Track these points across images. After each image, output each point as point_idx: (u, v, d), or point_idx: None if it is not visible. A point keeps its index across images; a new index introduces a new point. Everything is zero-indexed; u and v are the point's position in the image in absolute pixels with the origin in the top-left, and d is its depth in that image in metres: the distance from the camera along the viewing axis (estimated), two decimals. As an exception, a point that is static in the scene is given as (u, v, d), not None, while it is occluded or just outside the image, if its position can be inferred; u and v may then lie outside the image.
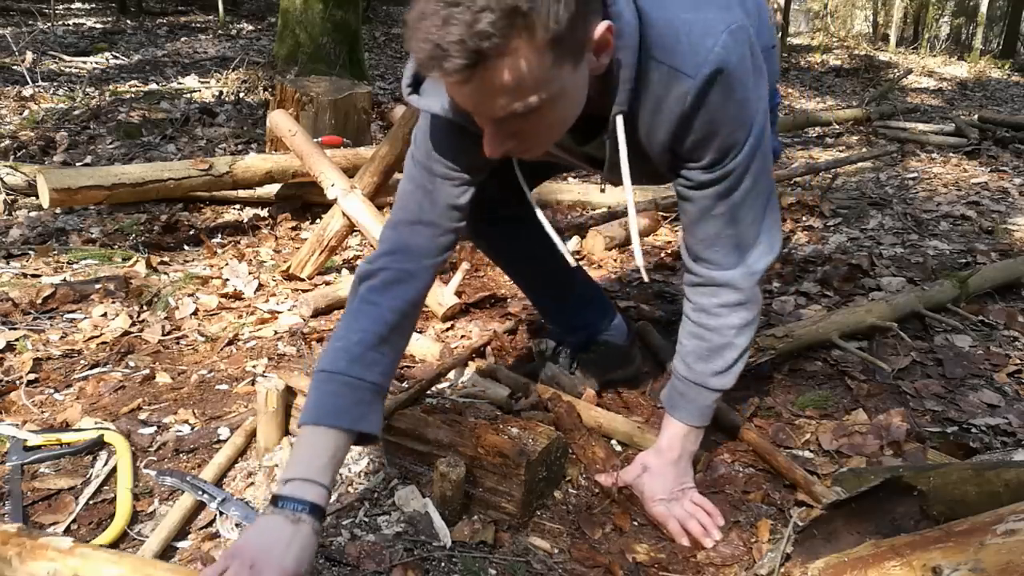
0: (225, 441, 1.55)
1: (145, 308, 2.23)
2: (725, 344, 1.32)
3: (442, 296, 2.18)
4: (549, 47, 0.93)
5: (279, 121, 2.65)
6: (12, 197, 3.24)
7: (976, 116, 5.98)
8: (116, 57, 7.35)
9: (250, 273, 2.52)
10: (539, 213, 1.34)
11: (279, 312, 2.25)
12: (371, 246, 2.53)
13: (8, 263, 2.58)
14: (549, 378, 1.76)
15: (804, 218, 3.44)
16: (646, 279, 1.35)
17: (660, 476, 1.36)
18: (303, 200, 3.22)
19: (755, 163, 1.20)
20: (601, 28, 1.01)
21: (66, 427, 1.61)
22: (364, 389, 1.16)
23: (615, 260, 2.81)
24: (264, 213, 3.30)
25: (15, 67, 5.83)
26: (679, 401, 1.37)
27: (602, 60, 1.05)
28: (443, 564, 1.22)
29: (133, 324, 2.12)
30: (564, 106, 1.04)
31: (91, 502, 1.38)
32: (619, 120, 1.12)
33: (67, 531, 1.31)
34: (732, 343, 1.32)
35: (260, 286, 2.44)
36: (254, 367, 1.90)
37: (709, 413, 1.38)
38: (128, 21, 10.00)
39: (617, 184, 1.24)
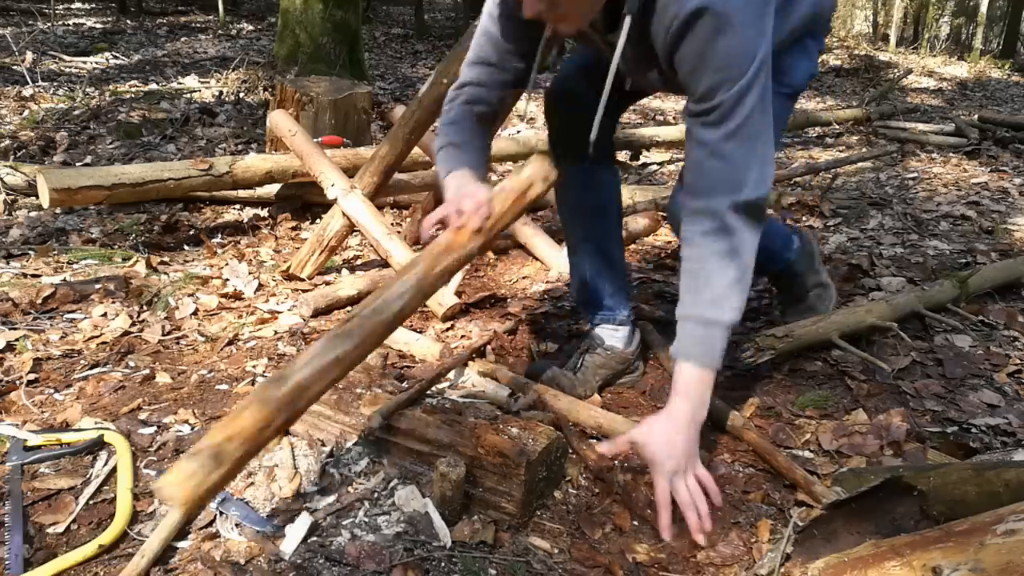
0: (225, 441, 1.55)
1: (145, 308, 2.23)
2: (710, 272, 1.32)
3: (442, 296, 2.18)
4: None
5: (279, 121, 2.65)
6: (12, 197, 3.24)
7: (976, 116, 5.97)
8: (116, 57, 7.35)
9: (250, 273, 2.52)
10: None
11: (279, 312, 2.25)
12: (371, 246, 2.53)
13: (8, 263, 2.58)
14: (549, 379, 1.76)
15: (804, 218, 3.44)
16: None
17: (668, 443, 1.28)
18: (303, 200, 3.22)
19: (746, 103, 1.25)
20: None
21: (66, 427, 1.61)
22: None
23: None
24: (264, 213, 3.30)
25: (15, 67, 5.83)
26: (682, 343, 1.33)
27: None
28: (443, 564, 1.22)
29: (133, 324, 2.12)
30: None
31: (91, 502, 1.38)
32: (627, 19, 1.26)
33: (67, 531, 1.31)
34: (717, 270, 1.31)
35: (260, 286, 2.44)
36: (254, 367, 1.90)
37: (713, 352, 1.32)
38: (128, 21, 10.00)
39: (641, 85, 1.48)
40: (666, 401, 1.32)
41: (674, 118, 6.36)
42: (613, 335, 1.84)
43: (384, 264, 2.42)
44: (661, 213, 3.25)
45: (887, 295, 2.38)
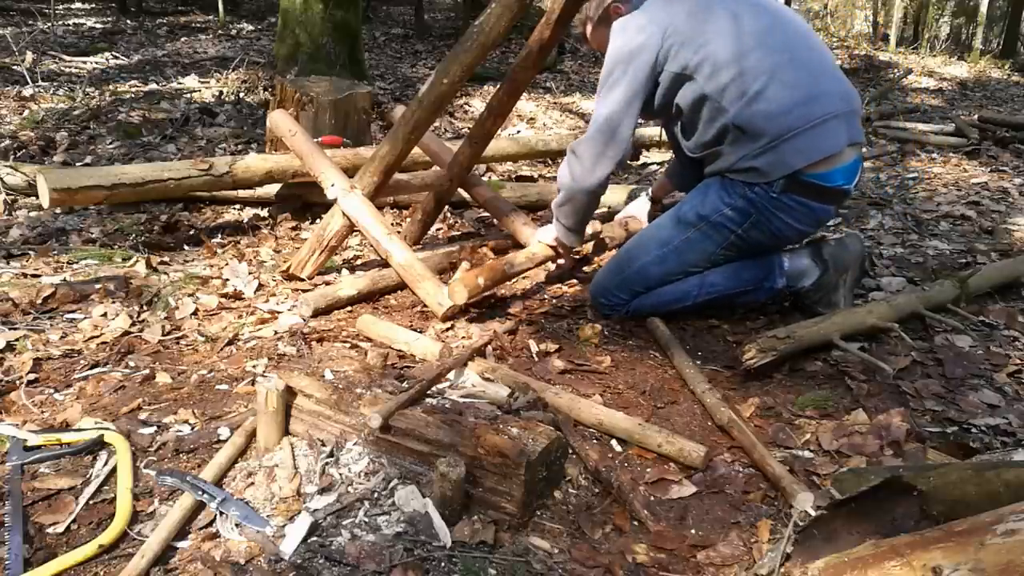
0: (225, 441, 1.55)
1: (145, 308, 2.23)
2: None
3: (442, 296, 2.18)
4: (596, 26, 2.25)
5: (279, 121, 2.65)
6: (12, 197, 3.25)
7: (976, 116, 5.97)
8: (116, 57, 7.35)
9: (250, 273, 2.51)
10: None
11: (279, 312, 2.25)
12: (371, 246, 2.53)
13: (8, 263, 2.58)
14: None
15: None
16: None
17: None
18: (303, 200, 3.22)
19: (598, 95, 2.10)
20: (621, 9, 2.16)
21: (66, 427, 1.61)
22: None
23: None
24: (264, 213, 3.30)
25: (15, 67, 5.82)
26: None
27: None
28: (443, 564, 1.22)
29: (133, 324, 2.12)
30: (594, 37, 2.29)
31: (91, 502, 1.39)
32: None
33: (67, 531, 1.31)
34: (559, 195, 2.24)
35: (260, 286, 2.44)
36: (254, 367, 1.90)
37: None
38: (128, 21, 10.00)
39: None
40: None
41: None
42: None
43: (384, 264, 2.42)
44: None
45: (888, 295, 2.38)
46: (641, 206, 2.82)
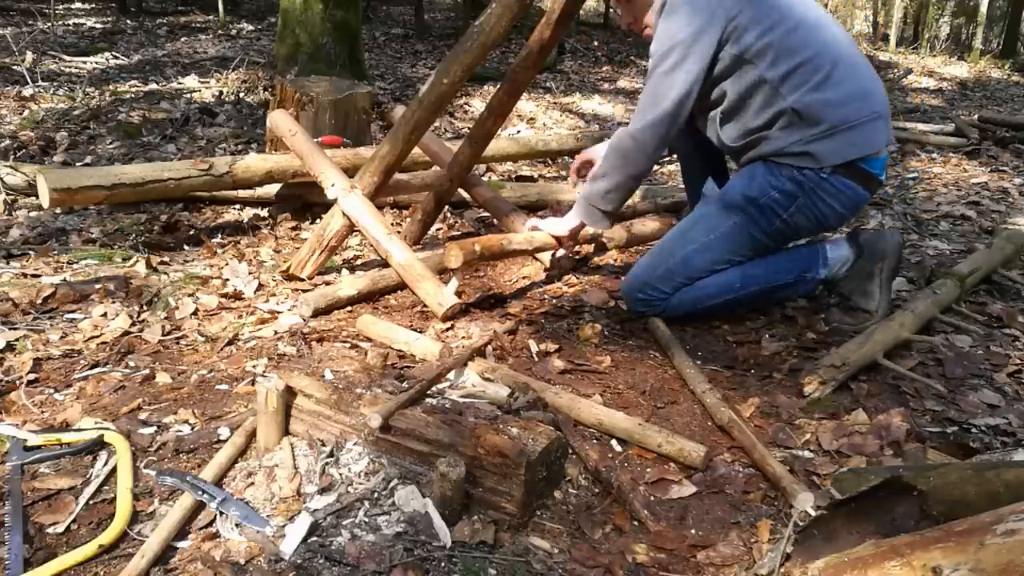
0: (225, 441, 1.55)
1: (145, 308, 2.23)
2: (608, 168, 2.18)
3: (442, 296, 2.18)
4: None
5: (279, 121, 2.65)
6: (12, 197, 3.25)
7: (976, 116, 5.97)
8: (116, 57, 7.35)
9: (250, 273, 2.51)
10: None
11: (279, 312, 2.25)
12: (371, 246, 2.53)
13: (8, 263, 2.58)
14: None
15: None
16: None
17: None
18: (303, 200, 3.22)
19: (653, 73, 2.03)
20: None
21: (66, 427, 1.61)
22: None
23: (615, 260, 2.81)
24: (264, 213, 3.30)
25: (15, 67, 5.82)
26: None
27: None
28: (443, 564, 1.22)
29: (133, 324, 2.12)
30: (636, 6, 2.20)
31: (91, 502, 1.38)
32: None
33: (67, 531, 1.31)
34: (605, 175, 2.17)
35: (260, 286, 2.44)
36: (254, 367, 1.90)
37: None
38: (128, 21, 10.00)
39: None
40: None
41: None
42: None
43: (384, 264, 2.42)
44: (666, 214, 3.25)
45: (902, 303, 2.34)
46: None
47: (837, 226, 2.22)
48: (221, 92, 5.73)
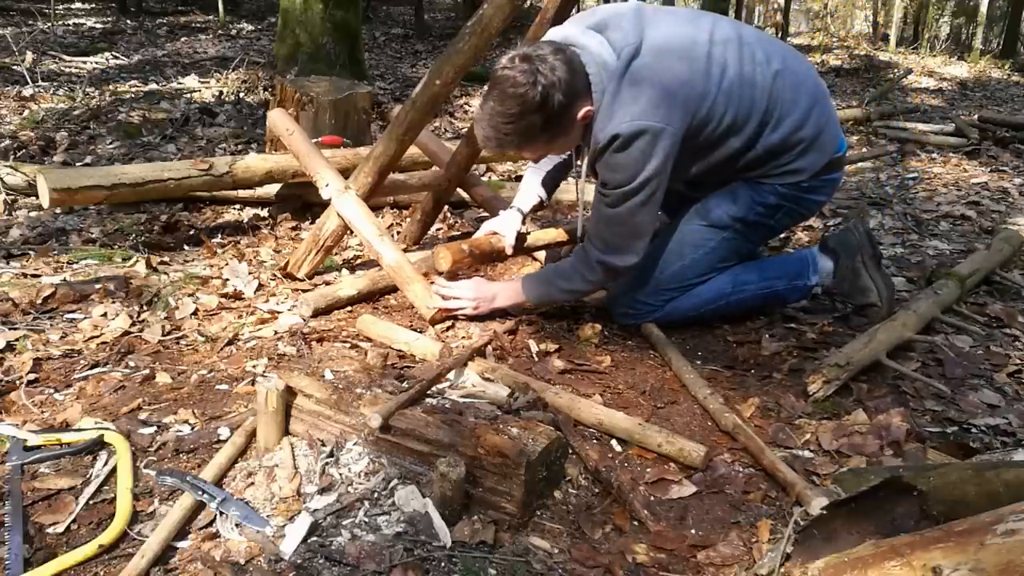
0: (225, 441, 1.55)
1: (145, 308, 2.23)
2: (567, 271, 2.11)
3: (430, 299, 2.17)
4: (547, 140, 1.88)
5: (277, 120, 2.65)
6: (12, 197, 3.24)
7: (976, 116, 5.97)
8: (116, 57, 7.35)
9: (250, 273, 2.51)
10: None
11: (279, 312, 2.25)
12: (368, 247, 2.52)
13: (8, 263, 2.58)
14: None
15: (804, 218, 3.44)
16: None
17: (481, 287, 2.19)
18: (303, 200, 3.22)
19: (622, 205, 1.90)
20: (583, 112, 1.84)
21: (66, 427, 1.61)
22: None
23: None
24: (264, 213, 3.30)
25: (15, 67, 5.82)
26: (531, 286, 2.16)
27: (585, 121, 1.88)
28: (443, 564, 1.22)
29: (133, 324, 2.12)
30: (561, 147, 1.99)
31: (91, 502, 1.38)
32: (584, 149, 1.98)
33: (67, 531, 1.31)
34: (570, 273, 2.10)
35: (260, 286, 2.44)
36: (254, 367, 1.90)
37: (540, 299, 2.19)
38: (128, 21, 10.00)
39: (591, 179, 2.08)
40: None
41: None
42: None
43: (384, 264, 2.42)
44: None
45: (904, 303, 2.33)
46: (508, 220, 2.33)
47: (818, 211, 2.33)
48: (221, 92, 5.73)
